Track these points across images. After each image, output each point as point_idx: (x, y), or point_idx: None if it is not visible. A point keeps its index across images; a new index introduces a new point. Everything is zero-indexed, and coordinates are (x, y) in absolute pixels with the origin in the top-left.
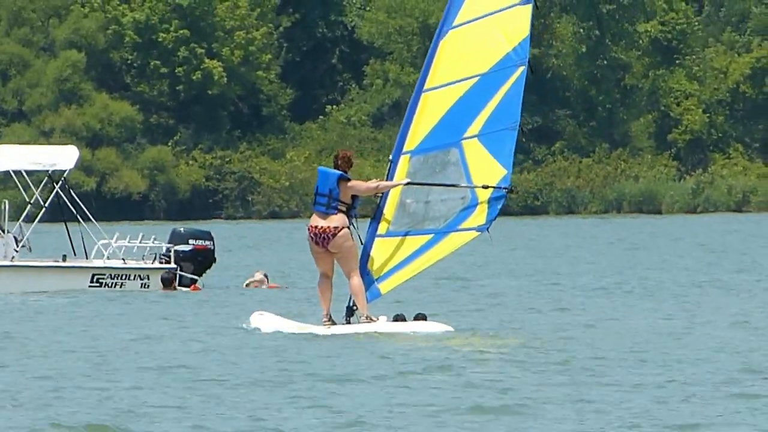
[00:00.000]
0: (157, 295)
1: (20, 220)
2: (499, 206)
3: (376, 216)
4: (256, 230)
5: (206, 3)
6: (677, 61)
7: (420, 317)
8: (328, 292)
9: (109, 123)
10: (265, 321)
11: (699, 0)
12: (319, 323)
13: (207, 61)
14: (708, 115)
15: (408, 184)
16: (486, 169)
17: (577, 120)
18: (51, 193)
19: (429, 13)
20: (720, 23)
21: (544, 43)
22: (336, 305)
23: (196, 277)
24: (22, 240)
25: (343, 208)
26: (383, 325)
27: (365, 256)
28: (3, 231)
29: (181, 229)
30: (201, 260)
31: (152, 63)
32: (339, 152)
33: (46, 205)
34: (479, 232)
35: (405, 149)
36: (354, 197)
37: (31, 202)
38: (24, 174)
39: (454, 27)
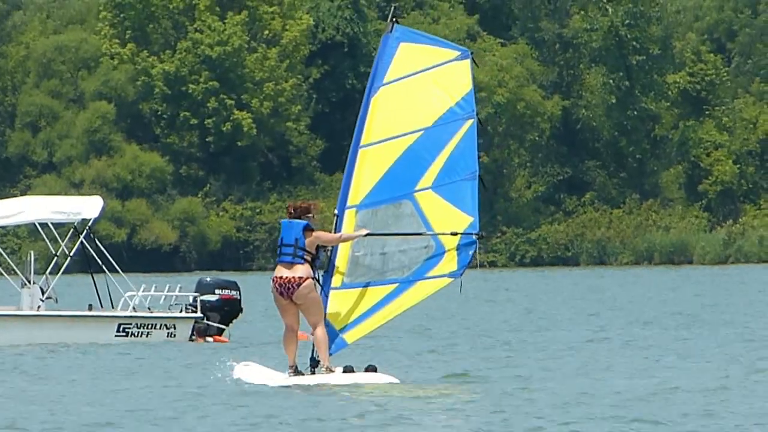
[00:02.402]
0: (166, 345)
1: (47, 271)
2: (471, 252)
3: (329, 270)
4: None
5: (236, 54)
6: (707, 112)
7: (370, 369)
8: (292, 345)
9: (140, 174)
10: (249, 372)
11: (727, 51)
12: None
13: (236, 112)
14: (738, 165)
15: (368, 234)
16: (447, 218)
17: (608, 171)
18: (78, 243)
19: None
20: (749, 74)
21: (574, 94)
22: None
23: (223, 326)
24: (47, 291)
25: (309, 258)
26: (338, 376)
27: (324, 309)
28: (29, 282)
29: (208, 278)
30: (228, 310)
31: (182, 114)
32: (290, 204)
33: (72, 254)
34: (452, 279)
35: (349, 203)
36: (317, 248)
37: (58, 253)
38: (50, 225)
39: (385, 84)
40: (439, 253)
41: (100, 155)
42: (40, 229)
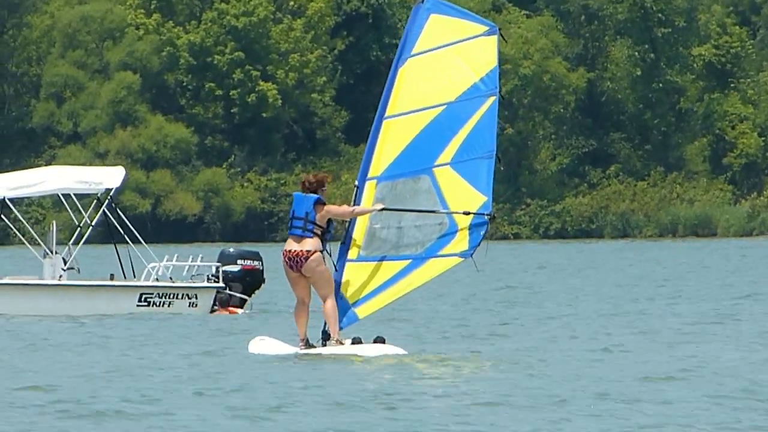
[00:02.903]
0: (190, 316)
1: (70, 242)
2: (482, 232)
3: (346, 241)
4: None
5: (261, 25)
6: (732, 85)
7: (379, 340)
8: (303, 317)
9: (164, 145)
10: (265, 346)
11: (753, 23)
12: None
13: (261, 83)
14: (763, 138)
15: (383, 209)
16: (463, 196)
17: (632, 143)
18: (99, 213)
19: None
20: None
21: (599, 67)
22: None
23: (245, 297)
24: (69, 261)
25: (318, 232)
26: (347, 348)
27: (337, 281)
28: (51, 252)
29: (231, 249)
30: (249, 280)
31: (207, 85)
32: (313, 175)
33: (93, 224)
34: (463, 258)
35: (370, 175)
36: (329, 221)
37: (81, 224)
38: (72, 195)
39: (413, 55)
40: (452, 232)
41: (124, 126)
42: (63, 199)
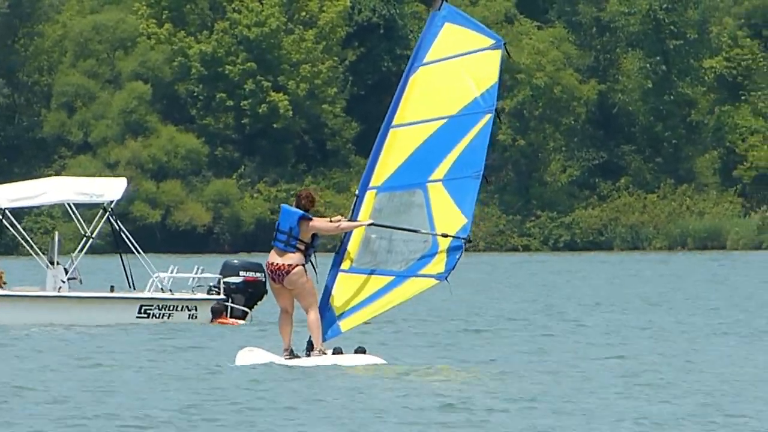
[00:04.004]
0: (185, 325)
1: (74, 252)
2: (458, 256)
3: (340, 251)
4: (320, 263)
5: (273, 36)
6: (743, 97)
7: (360, 350)
8: (287, 327)
9: (175, 155)
10: (253, 357)
11: (764, 37)
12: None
13: (273, 94)
14: None
15: (371, 224)
16: (448, 216)
17: (643, 155)
18: (99, 225)
19: None
20: None
21: (610, 78)
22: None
23: (246, 309)
24: (70, 271)
25: (301, 247)
26: (329, 358)
27: (328, 291)
28: (54, 263)
29: (235, 261)
30: (252, 292)
31: (218, 96)
32: (302, 191)
33: (92, 236)
34: (438, 281)
35: (371, 184)
36: (314, 236)
37: (87, 234)
38: (71, 206)
39: (425, 64)
40: (433, 253)
41: (135, 136)
42: (69, 210)
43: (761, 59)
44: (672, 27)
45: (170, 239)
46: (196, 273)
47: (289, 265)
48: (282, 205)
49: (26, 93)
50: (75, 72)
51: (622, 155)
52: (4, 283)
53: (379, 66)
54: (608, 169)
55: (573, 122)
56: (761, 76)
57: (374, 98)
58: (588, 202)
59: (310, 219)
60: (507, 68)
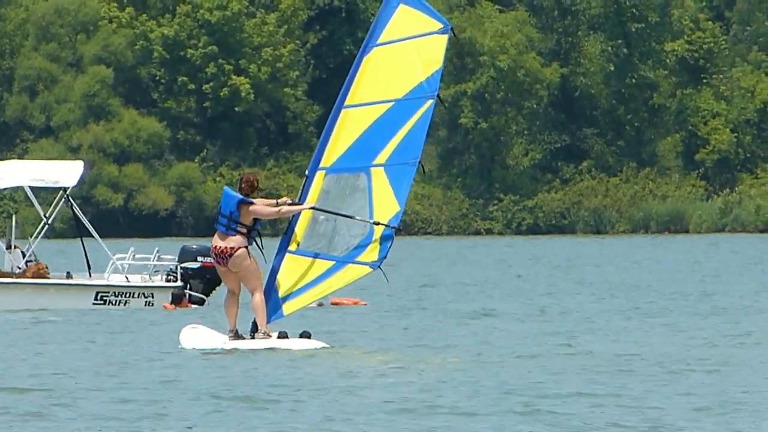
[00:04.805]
0: (143, 311)
1: (32, 236)
2: (389, 245)
3: (287, 231)
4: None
5: (234, 19)
6: (704, 81)
7: (304, 335)
8: (233, 308)
9: (137, 139)
10: (196, 334)
11: (726, 19)
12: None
13: (234, 77)
14: (735, 134)
15: (312, 208)
16: (385, 202)
17: (605, 139)
18: (57, 210)
19: (458, 30)
20: (747, 43)
21: (572, 62)
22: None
23: (203, 296)
24: (27, 256)
25: (243, 230)
26: (273, 341)
27: (274, 272)
28: (11, 248)
29: (193, 246)
30: (209, 278)
31: (180, 79)
32: (243, 176)
33: (49, 221)
34: (371, 269)
35: (321, 165)
36: (256, 219)
37: (45, 219)
38: (28, 190)
39: (378, 45)
40: (369, 241)
41: (98, 120)
42: (30, 194)
43: (723, 42)
44: (633, 10)
45: (133, 223)
46: (154, 257)
47: (231, 248)
48: (224, 187)
49: None
50: (37, 55)
51: (584, 138)
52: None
53: (340, 49)
54: (571, 152)
55: (535, 105)
56: (723, 59)
57: (336, 82)
58: (551, 186)
59: (250, 203)
60: (469, 51)
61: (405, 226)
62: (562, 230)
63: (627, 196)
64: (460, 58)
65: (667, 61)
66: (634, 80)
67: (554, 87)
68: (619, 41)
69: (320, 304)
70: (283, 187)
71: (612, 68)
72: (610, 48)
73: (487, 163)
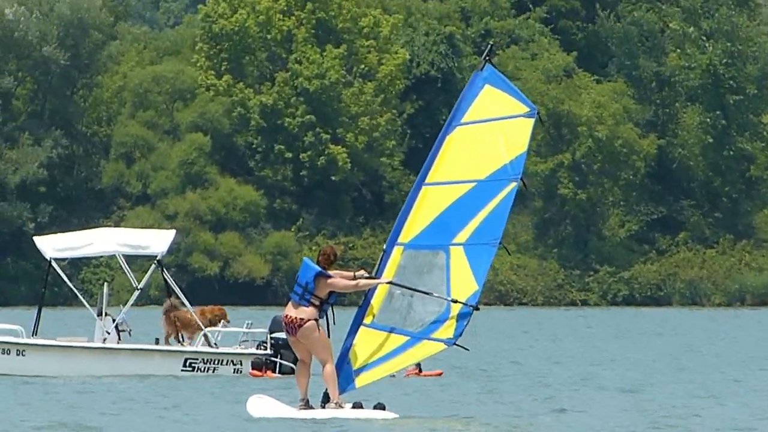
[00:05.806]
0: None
1: (125, 304)
2: (465, 323)
3: (363, 304)
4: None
5: (332, 88)
6: None
7: (379, 407)
8: (304, 378)
9: (233, 207)
10: (262, 405)
11: None
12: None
13: (331, 146)
14: None
15: (389, 283)
16: (463, 281)
17: (701, 210)
18: (147, 276)
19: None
20: None
21: (669, 133)
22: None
23: (292, 365)
24: (116, 322)
25: (316, 302)
26: (346, 411)
27: (348, 344)
28: (102, 314)
29: None
30: None
31: (277, 147)
32: (324, 248)
33: (140, 287)
34: (446, 346)
35: (399, 240)
36: (331, 292)
37: (139, 286)
38: (120, 257)
39: (462, 124)
40: (446, 317)
41: (194, 188)
42: (121, 260)
43: None
44: (731, 82)
45: (228, 291)
46: (245, 328)
47: (301, 319)
48: (304, 258)
49: (85, 144)
50: (134, 123)
51: (680, 210)
52: (228, 322)
53: (436, 119)
54: (667, 224)
55: (632, 176)
56: None
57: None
58: (647, 257)
59: (328, 276)
60: (566, 122)
61: (500, 296)
62: (657, 302)
63: (723, 268)
64: (557, 129)
65: (765, 133)
66: (731, 152)
67: (651, 158)
68: (717, 113)
69: (392, 376)
70: (378, 256)
71: (710, 140)
72: (707, 120)
73: (583, 233)
